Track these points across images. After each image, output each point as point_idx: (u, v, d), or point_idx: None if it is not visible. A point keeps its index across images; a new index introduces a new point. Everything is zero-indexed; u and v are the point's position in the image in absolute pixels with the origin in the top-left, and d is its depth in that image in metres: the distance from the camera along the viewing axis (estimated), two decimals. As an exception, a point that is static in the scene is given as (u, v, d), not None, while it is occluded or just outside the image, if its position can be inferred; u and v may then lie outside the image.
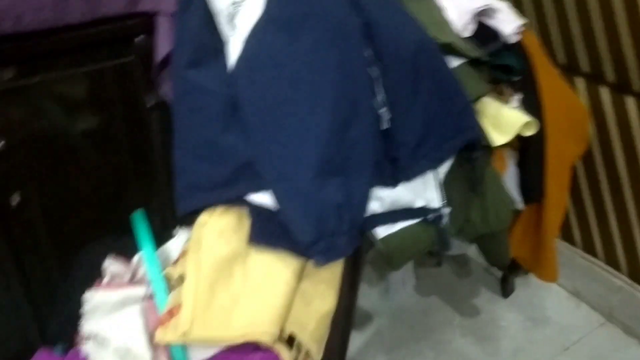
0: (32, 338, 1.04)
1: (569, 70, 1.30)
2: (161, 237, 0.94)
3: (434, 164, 0.92)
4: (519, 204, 1.10)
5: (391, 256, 0.91)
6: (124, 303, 0.78)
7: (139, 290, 0.80)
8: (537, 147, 1.08)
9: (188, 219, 0.90)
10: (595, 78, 1.27)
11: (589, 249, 1.44)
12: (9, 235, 0.97)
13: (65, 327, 0.90)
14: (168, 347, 0.77)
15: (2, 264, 0.97)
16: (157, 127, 1.02)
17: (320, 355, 0.89)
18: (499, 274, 1.48)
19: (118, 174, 1.03)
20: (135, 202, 1.04)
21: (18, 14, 0.82)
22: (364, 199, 0.85)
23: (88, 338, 0.77)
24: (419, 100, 0.89)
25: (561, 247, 1.46)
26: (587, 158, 1.33)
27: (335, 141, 0.81)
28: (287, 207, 0.81)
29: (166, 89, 0.99)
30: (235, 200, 0.86)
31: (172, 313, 0.77)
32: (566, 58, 1.30)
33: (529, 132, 1.01)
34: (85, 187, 1.02)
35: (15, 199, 0.96)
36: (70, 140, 0.98)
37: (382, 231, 0.91)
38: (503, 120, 1.00)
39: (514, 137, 1.00)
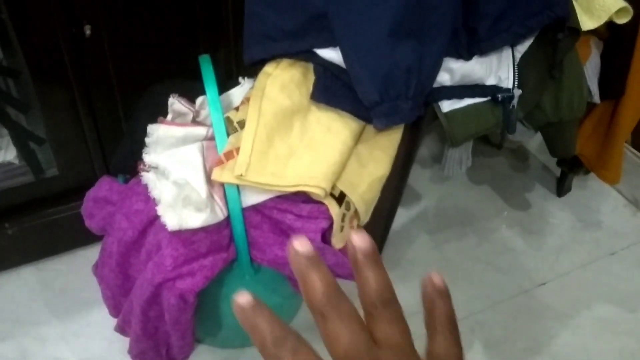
0: (97, 167, 1.10)
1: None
2: (226, 86, 0.94)
3: (513, 40, 0.87)
4: (596, 96, 1.04)
5: (453, 131, 0.89)
6: (185, 139, 0.80)
7: (201, 130, 0.82)
8: (627, 39, 1.01)
9: (253, 70, 0.90)
10: None
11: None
12: (80, 69, 0.99)
13: (128, 160, 0.94)
14: (223, 187, 0.79)
15: (73, 94, 1.01)
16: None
17: (367, 217, 0.91)
18: (557, 172, 1.44)
19: (188, 18, 1.02)
20: (202, 48, 1.04)
21: None
22: (435, 66, 0.82)
23: (149, 168, 0.81)
24: (510, -32, 0.82)
25: (628, 153, 1.40)
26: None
27: (414, 2, 0.77)
28: (355, 64, 0.79)
29: None
30: (303, 53, 0.84)
31: (229, 155, 0.79)
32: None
33: (623, 20, 0.93)
34: (155, 27, 1.01)
35: (87, 30, 0.97)
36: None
37: (447, 105, 0.89)
38: (596, 2, 0.93)
39: (604, 23, 0.93)
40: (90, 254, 1.18)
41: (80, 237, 1.10)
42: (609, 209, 1.42)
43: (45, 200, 1.13)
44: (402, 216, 1.36)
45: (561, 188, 1.42)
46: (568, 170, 1.32)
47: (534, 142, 1.48)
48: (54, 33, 0.94)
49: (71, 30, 0.96)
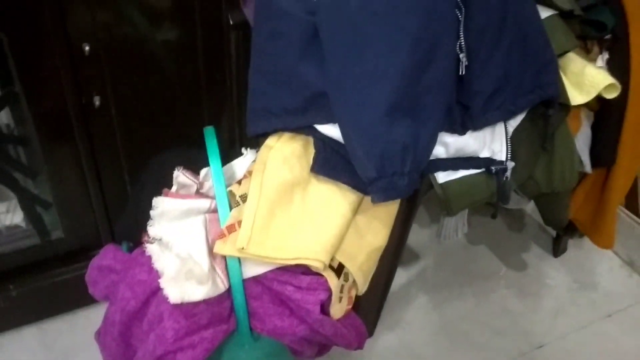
0: (102, 234, 1.12)
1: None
2: (228, 154, 0.97)
3: (505, 116, 0.91)
4: (587, 166, 1.07)
5: (449, 202, 0.92)
6: (189, 213, 0.82)
7: (204, 203, 0.84)
8: (616, 110, 1.04)
9: (255, 141, 0.93)
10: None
11: (652, 220, 1.40)
12: (88, 136, 1.03)
13: (132, 228, 0.97)
14: (224, 259, 0.82)
15: (79, 161, 1.04)
16: (236, 47, 1.04)
17: (366, 287, 0.93)
18: (553, 232, 1.46)
19: (193, 87, 1.06)
20: (207, 118, 1.08)
21: None
22: (430, 143, 0.85)
23: (153, 240, 0.83)
24: (501, 49, 0.86)
25: (622, 215, 1.43)
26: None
27: (410, 82, 0.80)
28: (353, 142, 0.82)
29: (249, 10, 0.99)
30: (304, 128, 0.88)
31: (232, 228, 0.82)
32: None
33: (611, 95, 0.97)
34: (162, 97, 1.05)
35: (97, 100, 1.01)
36: (150, 49, 1.01)
37: (443, 176, 0.92)
38: (585, 79, 0.97)
39: (594, 98, 0.97)
40: (92, 315, 1.20)
41: (83, 298, 1.12)
42: (605, 270, 1.44)
43: (50, 262, 1.16)
44: (401, 276, 1.38)
45: (557, 248, 1.44)
46: (563, 232, 1.34)
47: (531, 202, 1.51)
48: (64, 103, 0.98)
49: (81, 101, 1.00)
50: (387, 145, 0.80)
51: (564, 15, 0.95)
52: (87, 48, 0.95)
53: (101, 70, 0.98)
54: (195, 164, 0.93)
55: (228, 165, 0.95)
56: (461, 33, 0.86)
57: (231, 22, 1.02)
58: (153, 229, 0.83)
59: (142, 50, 1.00)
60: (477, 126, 0.89)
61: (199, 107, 1.08)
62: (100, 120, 1.03)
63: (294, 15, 0.87)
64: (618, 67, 1.02)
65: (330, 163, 0.87)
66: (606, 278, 1.42)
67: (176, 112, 1.07)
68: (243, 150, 0.96)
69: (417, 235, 1.47)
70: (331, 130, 0.86)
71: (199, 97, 1.07)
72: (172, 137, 1.08)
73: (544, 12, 0.93)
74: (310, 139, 0.89)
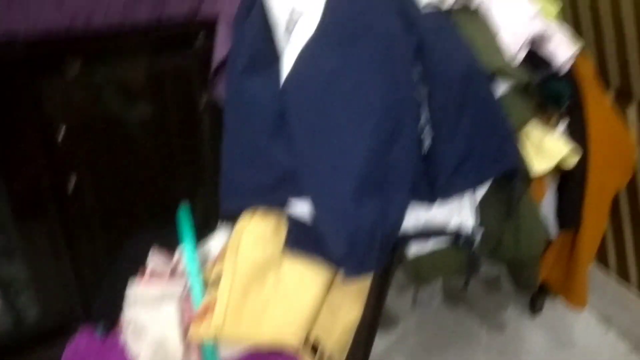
0: (77, 314, 1.12)
1: (622, 95, 1.28)
2: (204, 229, 0.99)
3: (471, 187, 0.94)
4: (554, 230, 1.10)
5: (421, 274, 0.94)
6: (162, 298, 0.83)
7: (178, 287, 0.85)
8: (578, 176, 1.08)
9: (230, 217, 0.95)
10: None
11: (624, 275, 1.43)
12: (64, 216, 1.04)
13: (109, 306, 0.97)
14: (199, 343, 0.82)
15: (55, 241, 1.04)
16: (208, 126, 1.07)
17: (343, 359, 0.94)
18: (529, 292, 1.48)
19: (168, 166, 1.08)
20: (181, 195, 1.10)
21: (89, 13, 0.87)
22: (399, 219, 0.87)
23: (128, 324, 0.83)
24: (462, 125, 0.90)
25: (596, 271, 1.46)
26: (631, 185, 1.32)
27: (376, 161, 0.83)
28: (323, 221, 0.84)
29: (221, 91, 1.03)
30: (276, 205, 0.90)
31: (206, 310, 0.82)
32: (621, 83, 1.28)
33: (571, 162, 1.01)
34: (137, 175, 1.07)
35: (72, 182, 1.02)
36: (125, 130, 1.04)
37: (413, 249, 0.94)
38: (546, 148, 1.01)
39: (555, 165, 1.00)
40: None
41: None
42: (582, 327, 1.45)
43: (26, 343, 1.14)
44: (382, 340, 1.38)
45: (533, 308, 1.46)
46: (537, 292, 1.36)
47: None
48: (39, 184, 1.00)
49: (56, 182, 1.01)
50: (356, 224, 0.82)
51: (522, 88, 1.00)
52: (62, 131, 0.98)
53: (76, 151, 1.00)
54: (172, 241, 0.94)
55: (203, 243, 0.96)
56: (424, 110, 0.90)
57: (203, 102, 1.06)
58: (128, 315, 0.83)
59: (117, 130, 1.03)
60: (444, 197, 0.92)
61: (175, 184, 1.10)
62: (75, 201, 1.04)
63: (263, 97, 0.90)
64: (577, 134, 1.06)
65: (302, 240, 0.88)
66: (583, 335, 1.43)
67: (152, 189, 1.09)
68: (218, 226, 0.98)
69: (398, 299, 1.48)
70: (303, 208, 0.88)
71: (174, 174, 1.09)
72: (148, 215, 1.09)
73: (502, 86, 0.97)
74: (283, 216, 0.91)
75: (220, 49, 0.98)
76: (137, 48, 0.97)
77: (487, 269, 1.54)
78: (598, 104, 1.11)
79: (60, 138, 0.98)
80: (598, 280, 1.44)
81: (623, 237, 1.40)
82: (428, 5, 0.99)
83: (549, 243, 1.16)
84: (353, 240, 0.83)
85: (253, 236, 0.89)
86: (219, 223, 0.97)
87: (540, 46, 1.04)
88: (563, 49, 1.04)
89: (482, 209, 0.95)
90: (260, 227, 0.90)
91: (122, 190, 1.07)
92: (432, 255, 0.94)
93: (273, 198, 0.88)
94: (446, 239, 0.95)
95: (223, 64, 0.99)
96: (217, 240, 0.95)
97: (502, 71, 0.94)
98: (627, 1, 1.22)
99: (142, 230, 1.05)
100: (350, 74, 0.86)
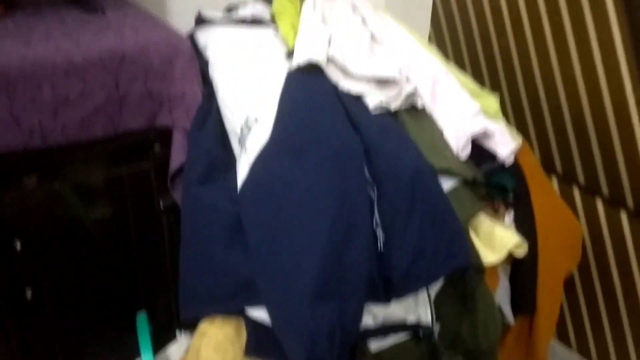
0: None
1: (566, 180, 1.35)
2: (165, 335, 0.99)
3: (425, 284, 0.96)
4: (510, 318, 1.13)
5: (381, 372, 0.94)
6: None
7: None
8: (529, 263, 1.12)
9: (191, 322, 0.95)
10: (591, 190, 1.32)
11: (585, 352, 1.45)
12: (21, 326, 1.02)
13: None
14: None
15: (12, 353, 1.02)
16: (168, 229, 1.08)
17: None
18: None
19: (128, 271, 1.08)
20: (142, 300, 1.10)
21: (46, 132, 0.89)
22: (357, 321, 0.89)
23: None
24: (413, 223, 0.93)
25: (557, 349, 1.48)
26: (583, 267, 1.37)
27: (331, 265, 0.85)
28: (280, 327, 0.85)
29: (178, 195, 1.05)
30: (235, 312, 0.91)
31: None
32: (563, 169, 1.36)
33: (520, 252, 1.05)
34: (96, 282, 1.07)
35: (29, 293, 1.01)
36: (84, 237, 1.04)
37: (374, 346, 0.95)
38: (495, 239, 1.04)
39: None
40: None
41: None
42: (548, 407, 1.46)
43: None
44: None
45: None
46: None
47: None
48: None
49: (13, 295, 1.00)
50: (314, 328, 0.83)
51: (469, 182, 1.04)
52: (18, 244, 0.98)
53: (33, 263, 1.00)
54: (132, 351, 0.93)
55: (162, 352, 0.96)
56: (376, 211, 0.93)
57: (162, 206, 1.08)
58: None
59: (76, 238, 1.03)
60: (400, 295, 0.94)
61: (135, 290, 1.10)
62: (33, 312, 1.03)
63: (219, 206, 0.92)
64: (524, 224, 1.11)
65: (262, 346, 0.89)
66: (550, 415, 1.44)
67: (111, 296, 1.09)
68: (177, 333, 0.97)
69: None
70: (262, 314, 0.88)
71: (134, 279, 1.09)
72: (108, 323, 1.08)
73: (450, 182, 1.02)
74: (243, 322, 0.91)
75: (176, 158, 1.01)
76: (94, 158, 0.99)
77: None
78: (543, 192, 1.16)
79: (18, 248, 0.97)
80: (558, 358, 1.46)
81: (580, 315, 1.44)
82: (377, 107, 1.04)
83: (507, 327, 1.19)
84: (312, 344, 0.83)
85: (213, 342, 0.89)
86: (178, 332, 0.97)
87: (484, 140, 1.10)
88: (505, 144, 1.09)
89: (438, 303, 0.98)
90: (220, 333, 0.90)
91: (81, 299, 1.06)
92: (393, 349, 0.95)
93: (232, 306, 0.89)
94: (405, 333, 0.97)
95: (180, 170, 1.02)
96: (177, 346, 0.95)
97: (448, 171, 0.99)
98: (562, 91, 1.30)
99: (101, 339, 1.04)
100: (302, 181, 0.89)
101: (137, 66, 0.94)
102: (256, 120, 0.96)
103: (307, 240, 0.86)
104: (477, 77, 1.52)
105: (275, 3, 1.27)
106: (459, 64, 1.57)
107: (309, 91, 0.99)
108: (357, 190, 0.92)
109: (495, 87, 1.48)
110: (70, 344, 1.06)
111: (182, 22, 1.24)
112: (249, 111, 0.98)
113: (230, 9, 1.39)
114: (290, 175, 0.90)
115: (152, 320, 1.03)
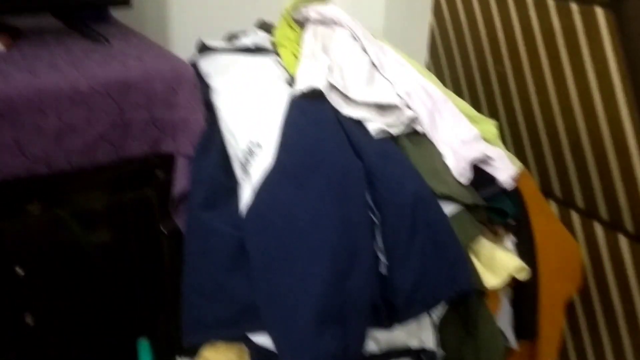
0: None
1: (565, 204, 1.36)
2: (166, 361, 0.98)
3: (427, 309, 0.96)
4: (512, 342, 1.12)
5: (385, 397, 0.94)
6: None
7: None
8: (529, 287, 1.12)
9: (193, 348, 0.95)
10: (589, 214, 1.32)
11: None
12: (21, 353, 1.01)
13: None
14: None
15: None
16: (169, 254, 1.08)
17: None
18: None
19: (129, 295, 1.08)
20: (143, 326, 1.09)
21: (50, 159, 0.90)
22: (360, 345, 0.89)
23: None
24: (414, 248, 0.94)
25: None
26: (584, 291, 1.37)
27: (334, 291, 0.86)
28: (283, 353, 0.85)
29: (181, 221, 1.05)
30: (238, 338, 0.90)
31: None
32: (562, 193, 1.36)
33: (521, 276, 1.05)
34: (97, 307, 1.06)
35: (29, 319, 1.01)
36: (86, 263, 1.04)
37: (377, 371, 0.95)
38: (496, 262, 1.05)
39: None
40: None
41: None
42: None
43: None
44: None
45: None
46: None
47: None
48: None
49: (14, 321, 1.00)
50: (317, 355, 0.83)
51: (469, 207, 1.05)
52: (20, 271, 0.98)
53: (34, 290, 1.00)
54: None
55: (165, 377, 0.95)
56: (378, 235, 0.94)
57: (164, 231, 1.08)
58: None
59: (77, 263, 1.03)
60: (402, 320, 0.94)
61: (136, 316, 1.09)
62: (34, 338, 1.02)
63: (222, 231, 0.93)
64: (525, 248, 1.11)
65: (266, 371, 0.88)
66: None
67: (112, 322, 1.08)
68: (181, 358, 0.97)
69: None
70: (264, 340, 0.88)
71: (135, 305, 1.09)
72: (109, 349, 1.07)
73: (451, 207, 1.03)
74: (246, 348, 0.91)
75: (179, 184, 1.02)
76: (97, 184, 1.00)
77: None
78: (543, 216, 1.17)
79: (17, 280, 0.97)
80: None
81: (582, 340, 1.43)
82: (378, 132, 1.05)
83: (510, 352, 1.18)
84: (315, 373, 0.83)
85: (217, 370, 0.89)
86: (179, 355, 0.97)
87: (484, 165, 1.11)
88: (505, 169, 1.10)
89: (440, 328, 0.98)
90: (223, 358, 0.90)
91: (81, 324, 1.06)
92: (396, 375, 0.95)
93: (234, 332, 0.89)
94: (409, 358, 0.97)
95: (183, 196, 1.03)
96: (179, 374, 0.94)
97: (449, 196, 1.00)
98: (559, 116, 1.32)
99: (102, 365, 1.03)
100: (305, 207, 0.90)
101: (141, 94, 0.96)
102: (259, 145, 0.98)
103: (310, 266, 0.87)
104: (475, 104, 1.54)
105: (277, 32, 1.29)
106: (457, 91, 1.59)
107: (311, 117, 1.00)
108: (359, 216, 0.93)
109: (493, 113, 1.50)
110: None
111: (183, 51, 1.26)
112: (252, 137, 0.99)
113: (231, 38, 1.41)
114: (294, 201, 0.91)
115: (153, 346, 1.02)
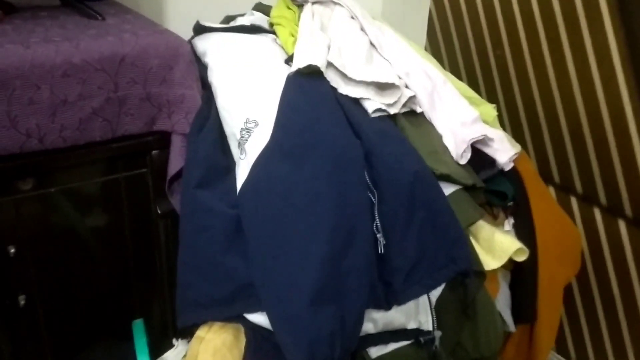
0: None
1: (564, 189, 1.35)
2: (161, 344, 0.97)
3: (426, 290, 0.95)
4: (511, 325, 1.12)
5: (382, 378, 0.93)
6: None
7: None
8: (529, 270, 1.11)
9: (188, 329, 0.93)
10: (588, 199, 1.32)
11: (584, 364, 1.44)
12: (12, 334, 1.00)
13: None
14: None
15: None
16: (164, 235, 1.07)
17: None
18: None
19: (123, 277, 1.07)
20: (137, 307, 1.08)
21: (43, 133, 0.88)
22: (357, 325, 0.87)
23: None
24: (413, 228, 0.93)
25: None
26: (582, 277, 1.36)
27: (331, 270, 0.84)
28: (280, 331, 0.83)
29: (176, 201, 1.04)
30: (233, 317, 0.89)
31: None
32: (560, 178, 1.36)
33: (521, 258, 1.04)
34: (90, 288, 1.05)
35: (22, 300, 0.99)
36: (78, 242, 1.02)
37: (374, 351, 0.94)
38: (496, 245, 1.04)
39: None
40: None
41: None
42: (548, 420, 1.44)
43: None
44: None
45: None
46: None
47: None
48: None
49: (5, 301, 0.98)
50: (314, 334, 0.82)
51: (468, 188, 1.04)
52: (12, 250, 0.96)
53: (27, 269, 0.98)
54: (127, 359, 0.91)
55: (160, 356, 0.94)
56: (376, 215, 0.92)
57: (159, 211, 1.06)
58: None
59: (69, 243, 1.01)
60: (400, 301, 0.93)
61: (129, 297, 1.08)
62: (25, 319, 1.01)
63: (217, 210, 0.91)
64: (524, 230, 1.10)
65: (262, 352, 0.87)
66: None
67: (105, 303, 1.07)
68: (174, 341, 0.95)
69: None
70: (261, 319, 0.87)
71: (129, 286, 1.07)
72: (102, 330, 1.06)
73: (450, 188, 1.01)
74: (242, 327, 0.90)
75: (175, 162, 1.00)
76: (91, 162, 0.98)
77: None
78: (542, 199, 1.16)
79: (9, 259, 0.96)
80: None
81: (580, 327, 1.43)
82: (376, 111, 1.04)
83: (507, 337, 1.17)
84: (312, 350, 0.82)
85: (211, 348, 0.87)
86: (175, 340, 0.95)
87: (482, 147, 1.10)
88: (504, 150, 1.09)
89: (439, 310, 0.97)
90: (218, 339, 0.88)
91: (74, 305, 1.04)
92: (394, 354, 0.94)
93: (230, 311, 0.87)
94: (406, 339, 0.95)
95: (177, 175, 1.01)
96: (174, 353, 0.93)
97: (448, 176, 0.98)
98: (559, 101, 1.31)
99: (94, 347, 1.02)
100: (303, 185, 0.89)
101: (137, 69, 0.94)
102: (256, 123, 0.96)
103: (307, 244, 0.85)
104: (474, 87, 1.51)
105: (274, 11, 1.28)
106: (455, 73, 1.58)
107: (309, 95, 0.99)
108: (357, 195, 0.91)
109: (491, 97, 1.49)
110: (63, 352, 1.04)
111: (180, 31, 1.24)
112: (249, 114, 0.98)
113: (228, 20, 1.39)
114: (291, 179, 0.89)
115: (147, 328, 1.01)
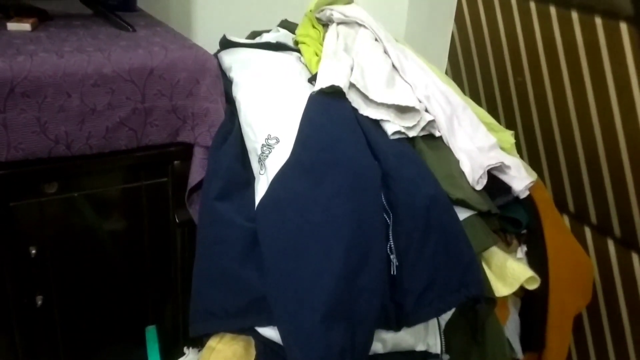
0: None
1: (578, 219, 1.35)
2: (172, 352, 0.98)
3: (437, 313, 0.96)
4: (519, 353, 1.12)
5: (388, 399, 0.93)
6: None
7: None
8: (539, 298, 1.11)
9: (199, 339, 0.95)
10: (602, 230, 1.32)
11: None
12: (29, 333, 1.02)
13: None
14: None
15: (16, 357, 1.02)
16: (181, 243, 1.09)
17: None
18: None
19: (138, 283, 1.09)
20: (151, 314, 1.09)
21: (71, 140, 0.91)
22: (367, 344, 0.88)
23: None
24: (427, 251, 0.94)
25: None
26: (593, 308, 1.36)
27: (344, 288, 0.86)
28: (291, 346, 0.85)
29: (194, 211, 1.06)
30: (245, 330, 0.90)
31: None
32: (575, 208, 1.36)
33: (532, 286, 1.05)
34: (106, 293, 1.07)
35: (39, 300, 1.02)
36: (97, 246, 1.05)
37: (382, 371, 0.95)
38: (508, 272, 1.04)
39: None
40: None
41: None
42: None
43: None
44: None
45: None
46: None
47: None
48: (6, 303, 0.98)
49: (22, 301, 1.00)
50: (324, 350, 0.83)
51: (483, 214, 1.05)
52: (33, 251, 0.98)
53: (46, 270, 1.01)
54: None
55: (170, 365, 0.95)
56: (390, 236, 0.93)
57: (177, 220, 1.08)
58: None
59: (89, 247, 1.04)
60: (411, 323, 0.94)
61: (144, 303, 1.10)
62: (41, 319, 1.03)
63: (235, 222, 0.93)
64: (536, 259, 1.11)
65: (272, 364, 0.88)
66: None
67: (120, 307, 1.09)
68: (185, 349, 0.97)
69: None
70: (272, 333, 0.88)
71: (144, 292, 1.09)
72: (115, 334, 1.08)
73: (465, 213, 1.02)
74: (252, 340, 0.91)
75: (195, 174, 1.02)
76: (114, 169, 1.01)
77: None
78: (556, 228, 1.16)
79: (30, 260, 0.98)
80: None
81: (589, 358, 1.42)
82: (396, 132, 1.06)
83: (515, 363, 1.18)
84: (322, 366, 0.83)
85: (222, 358, 0.89)
86: (186, 349, 0.97)
87: (498, 174, 1.11)
88: (521, 178, 1.10)
89: (448, 333, 0.97)
90: (229, 350, 0.90)
91: (90, 308, 1.06)
92: (401, 378, 0.95)
93: (242, 323, 0.89)
94: (414, 361, 0.96)
95: (197, 186, 1.03)
96: (185, 363, 0.95)
97: (463, 202, 1.00)
98: (577, 130, 1.32)
99: (107, 351, 1.04)
100: (321, 202, 0.90)
101: (164, 81, 0.96)
102: (277, 140, 0.98)
103: (322, 261, 0.87)
104: (493, 112, 1.53)
105: (300, 30, 1.30)
106: (475, 99, 1.59)
107: (330, 114, 1.00)
108: (373, 215, 0.92)
109: (510, 123, 1.50)
110: (77, 354, 1.06)
111: (206, 46, 1.27)
112: (271, 131, 1.00)
113: (254, 36, 1.42)
114: (309, 195, 0.91)
115: (160, 334, 1.03)
